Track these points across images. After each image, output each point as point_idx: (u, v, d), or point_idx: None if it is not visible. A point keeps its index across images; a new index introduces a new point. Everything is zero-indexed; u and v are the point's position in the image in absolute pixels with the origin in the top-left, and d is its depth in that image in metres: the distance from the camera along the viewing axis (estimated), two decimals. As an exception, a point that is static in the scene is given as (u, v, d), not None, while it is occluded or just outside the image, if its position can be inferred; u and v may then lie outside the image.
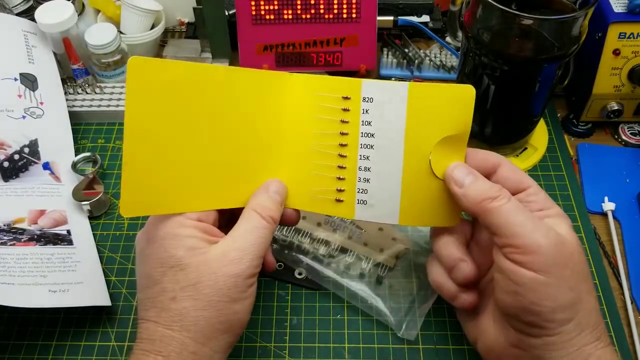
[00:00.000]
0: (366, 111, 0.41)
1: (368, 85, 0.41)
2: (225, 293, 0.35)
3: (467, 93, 0.39)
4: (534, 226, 0.35)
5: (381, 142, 0.41)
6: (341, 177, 0.42)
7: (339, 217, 0.42)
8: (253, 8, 0.63)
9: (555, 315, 0.34)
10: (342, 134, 0.41)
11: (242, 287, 0.36)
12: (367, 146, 0.41)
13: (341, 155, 0.42)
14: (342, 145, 0.41)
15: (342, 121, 0.41)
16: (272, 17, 0.63)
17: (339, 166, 0.42)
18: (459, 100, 0.39)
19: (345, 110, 0.41)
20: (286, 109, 0.42)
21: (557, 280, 0.34)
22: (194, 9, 0.66)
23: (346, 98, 0.41)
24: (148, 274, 0.37)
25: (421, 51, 0.69)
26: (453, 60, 0.69)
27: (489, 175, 0.40)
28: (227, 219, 0.42)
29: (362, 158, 0.41)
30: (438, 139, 0.40)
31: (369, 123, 0.41)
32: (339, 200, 0.42)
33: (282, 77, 0.42)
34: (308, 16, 0.63)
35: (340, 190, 0.42)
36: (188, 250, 0.36)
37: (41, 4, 0.63)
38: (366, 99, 0.41)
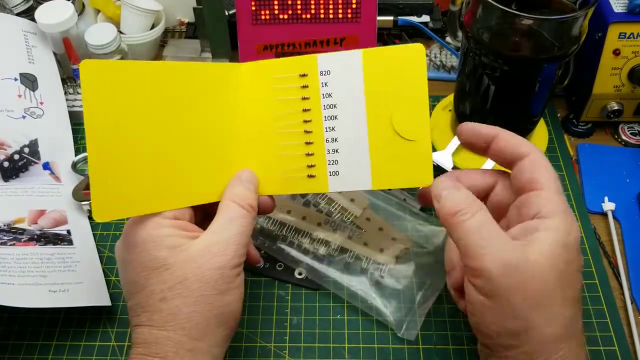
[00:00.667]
0: (325, 84, 0.42)
1: (323, 59, 0.41)
2: (213, 286, 0.35)
3: (417, 51, 0.40)
4: (488, 248, 0.33)
5: (344, 112, 0.42)
6: (310, 152, 0.42)
7: (314, 192, 0.42)
8: (253, 8, 0.63)
9: (500, 339, 0.33)
10: (305, 110, 0.42)
11: (229, 277, 0.36)
12: (331, 118, 0.42)
13: (307, 132, 0.42)
14: (306, 121, 0.42)
15: (303, 98, 0.42)
16: (272, 17, 0.63)
17: (306, 142, 0.42)
18: (411, 59, 0.40)
19: (304, 87, 0.42)
20: (244, 98, 0.42)
21: (501, 307, 0.32)
22: (194, 9, 0.66)
23: (303, 75, 0.42)
24: (132, 280, 0.36)
25: (421, 51, 0.69)
26: (453, 60, 0.69)
27: (485, 149, 0.38)
28: (201, 218, 0.41)
29: (327, 130, 0.42)
30: (398, 99, 0.40)
31: (330, 95, 0.42)
32: (311, 176, 0.42)
33: (234, 67, 0.42)
34: (308, 16, 0.63)
35: (311, 166, 0.42)
36: (170, 249, 0.36)
37: (41, 4, 0.63)
38: (323, 72, 0.42)
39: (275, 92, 0.42)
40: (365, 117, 0.41)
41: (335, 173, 0.42)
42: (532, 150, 0.37)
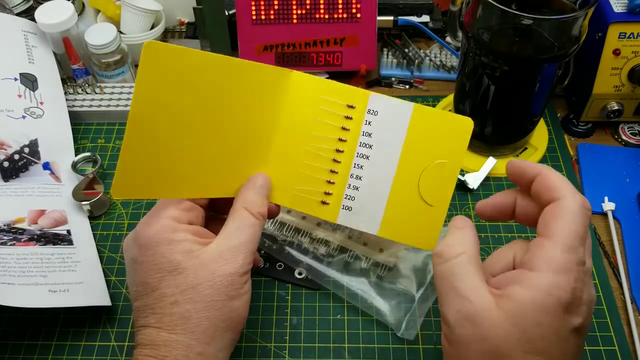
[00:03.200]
0: (369, 123, 0.42)
1: (375, 99, 0.42)
2: (223, 292, 0.36)
3: (465, 124, 0.41)
4: (451, 297, 0.32)
5: (377, 155, 0.42)
6: (331, 181, 0.43)
7: (321, 218, 0.44)
8: (253, 8, 0.63)
9: None
10: (341, 140, 0.42)
11: (239, 284, 0.37)
12: (363, 156, 0.42)
13: (335, 160, 0.43)
14: (338, 150, 0.43)
15: (343, 128, 0.42)
16: (272, 17, 0.63)
17: (331, 170, 0.43)
18: (457, 130, 0.41)
19: (347, 118, 0.42)
20: (287, 106, 0.43)
21: (458, 356, 0.32)
22: (194, 9, 0.66)
23: (351, 107, 0.42)
24: (144, 281, 0.37)
25: (421, 51, 0.69)
26: (453, 60, 0.69)
27: (529, 187, 0.36)
28: (209, 217, 0.42)
29: (356, 166, 0.42)
30: (431, 162, 0.41)
31: (369, 134, 0.42)
32: (324, 203, 0.43)
33: (286, 74, 0.42)
34: (308, 16, 0.63)
35: (327, 193, 0.43)
36: (184, 254, 0.36)
37: (41, 4, 0.63)
38: (371, 112, 0.42)
39: (320, 112, 0.42)
40: (396, 168, 0.42)
41: (349, 208, 0.43)
42: (565, 194, 0.34)
